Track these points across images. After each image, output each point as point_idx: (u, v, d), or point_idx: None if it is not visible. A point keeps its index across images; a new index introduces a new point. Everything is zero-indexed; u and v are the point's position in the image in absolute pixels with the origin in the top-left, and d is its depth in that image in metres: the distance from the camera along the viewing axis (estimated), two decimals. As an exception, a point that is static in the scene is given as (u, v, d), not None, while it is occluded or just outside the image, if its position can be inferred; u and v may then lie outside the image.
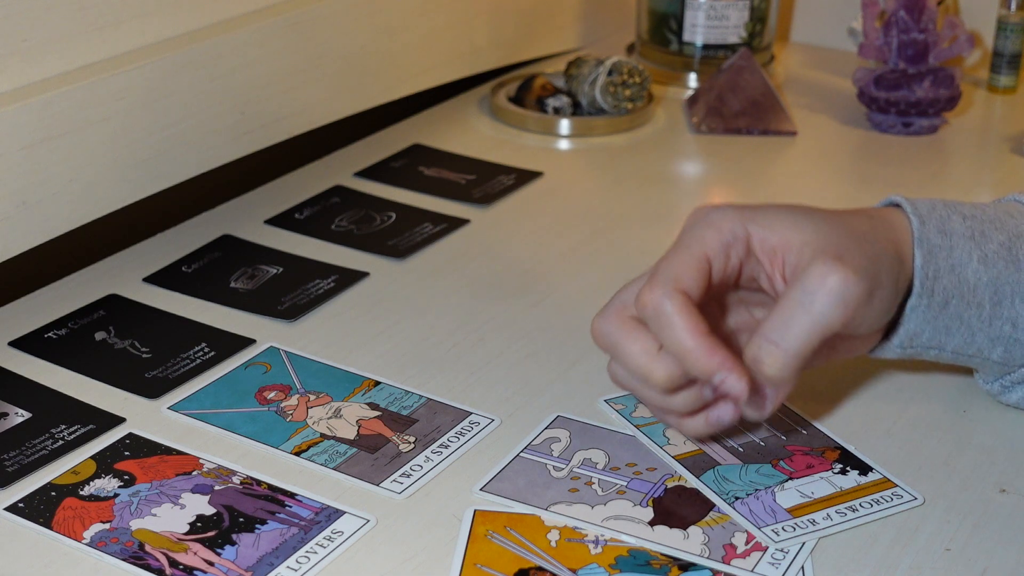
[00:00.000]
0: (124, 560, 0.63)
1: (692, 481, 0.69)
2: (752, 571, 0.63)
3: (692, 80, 1.22)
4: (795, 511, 0.67)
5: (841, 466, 0.70)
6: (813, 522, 0.66)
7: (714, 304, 0.70)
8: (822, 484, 0.69)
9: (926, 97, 1.12)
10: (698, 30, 1.21)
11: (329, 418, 0.74)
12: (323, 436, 0.73)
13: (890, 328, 0.70)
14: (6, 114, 0.79)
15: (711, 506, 0.67)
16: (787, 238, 0.65)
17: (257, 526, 0.66)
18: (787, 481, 0.69)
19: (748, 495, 0.68)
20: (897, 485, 0.69)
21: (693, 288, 0.64)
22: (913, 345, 0.70)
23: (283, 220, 0.97)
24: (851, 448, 0.72)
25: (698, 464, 0.70)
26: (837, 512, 0.67)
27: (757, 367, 0.64)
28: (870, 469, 0.70)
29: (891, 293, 0.67)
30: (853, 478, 0.70)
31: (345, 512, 0.67)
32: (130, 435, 0.72)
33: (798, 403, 0.76)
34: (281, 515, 0.66)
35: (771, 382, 0.65)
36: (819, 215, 0.67)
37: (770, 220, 0.66)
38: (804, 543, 0.65)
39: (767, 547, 0.65)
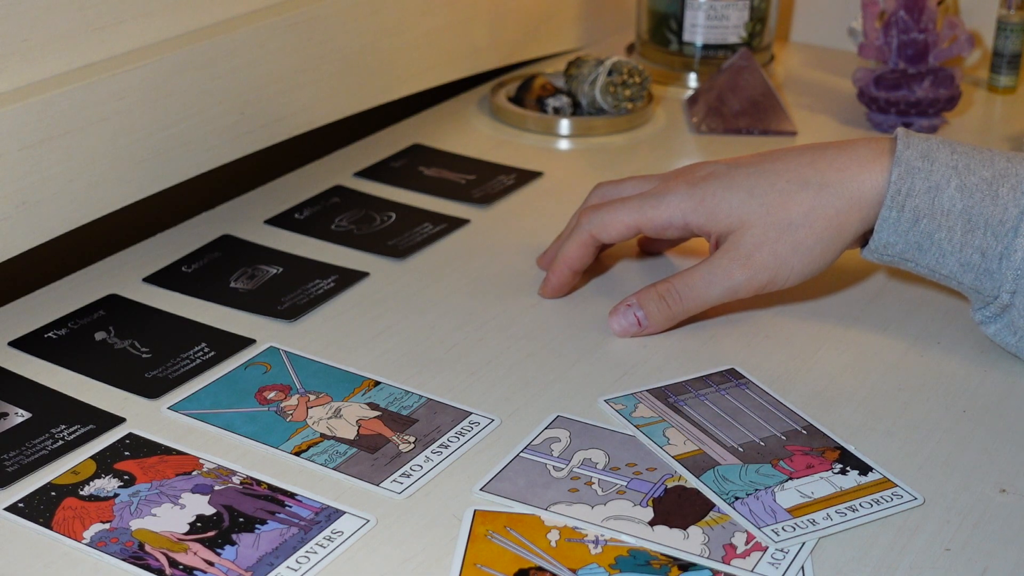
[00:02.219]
0: (124, 560, 0.63)
1: (692, 481, 0.69)
2: (752, 571, 0.63)
3: (692, 80, 1.22)
4: (795, 511, 0.67)
5: (841, 466, 0.70)
6: (813, 522, 0.66)
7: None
8: (822, 484, 0.69)
9: (926, 97, 1.12)
10: (698, 30, 1.21)
11: (329, 418, 0.74)
12: (323, 436, 0.73)
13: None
14: (6, 114, 0.79)
15: (711, 506, 0.67)
16: (720, 228, 0.81)
17: (257, 526, 0.66)
18: (787, 481, 0.69)
19: (748, 495, 0.68)
20: (897, 485, 0.69)
21: (606, 239, 0.84)
22: (888, 254, 0.79)
23: (283, 220, 0.97)
24: (851, 448, 0.72)
25: (698, 464, 0.70)
26: (837, 512, 0.67)
27: (660, 300, 0.81)
28: (870, 469, 0.70)
29: (816, 257, 0.79)
30: (853, 478, 0.70)
31: (345, 512, 0.67)
32: (130, 435, 0.72)
33: (798, 403, 0.76)
34: (281, 515, 0.66)
35: (662, 318, 0.82)
36: (766, 199, 0.79)
37: (712, 210, 0.81)
38: (804, 543, 0.65)
39: (767, 547, 0.65)
